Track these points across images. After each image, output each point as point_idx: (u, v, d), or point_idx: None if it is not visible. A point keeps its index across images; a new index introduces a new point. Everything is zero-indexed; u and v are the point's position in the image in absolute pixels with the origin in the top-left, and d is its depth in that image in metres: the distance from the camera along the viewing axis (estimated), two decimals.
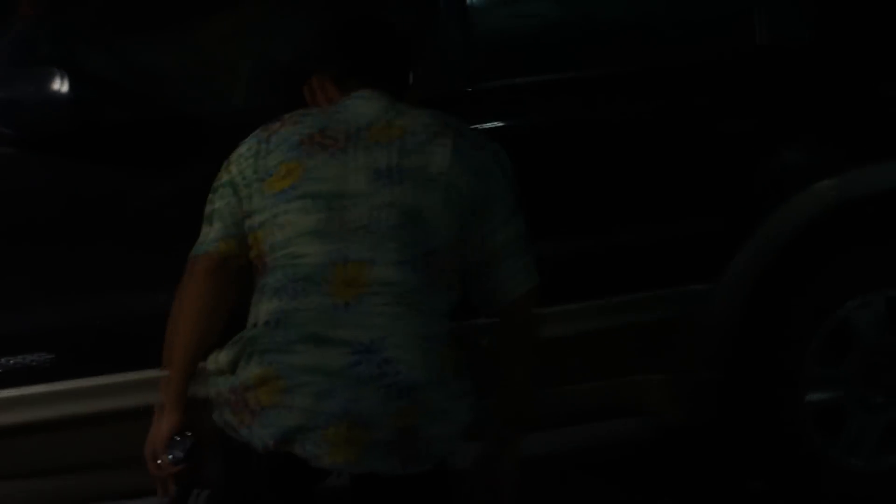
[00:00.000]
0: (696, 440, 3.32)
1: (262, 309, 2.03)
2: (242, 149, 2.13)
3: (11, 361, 2.66)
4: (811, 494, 3.15)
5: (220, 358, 2.06)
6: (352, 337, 1.95)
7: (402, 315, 1.98)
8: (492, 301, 2.14)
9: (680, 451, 3.42)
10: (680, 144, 2.94)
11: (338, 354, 1.94)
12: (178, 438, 2.05)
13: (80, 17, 2.78)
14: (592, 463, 3.37)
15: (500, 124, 2.82)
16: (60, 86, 2.52)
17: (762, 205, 2.96)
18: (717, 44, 3.00)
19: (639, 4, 3.06)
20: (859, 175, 2.98)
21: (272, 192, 2.05)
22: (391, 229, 1.99)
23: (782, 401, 3.07)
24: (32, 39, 2.70)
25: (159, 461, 2.07)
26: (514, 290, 2.12)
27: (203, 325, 2.07)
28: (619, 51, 2.97)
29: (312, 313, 1.97)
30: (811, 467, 3.11)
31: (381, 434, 1.95)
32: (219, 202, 2.12)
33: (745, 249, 2.96)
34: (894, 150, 3.00)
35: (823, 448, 3.11)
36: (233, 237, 2.09)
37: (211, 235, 2.10)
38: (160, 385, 2.12)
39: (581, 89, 2.93)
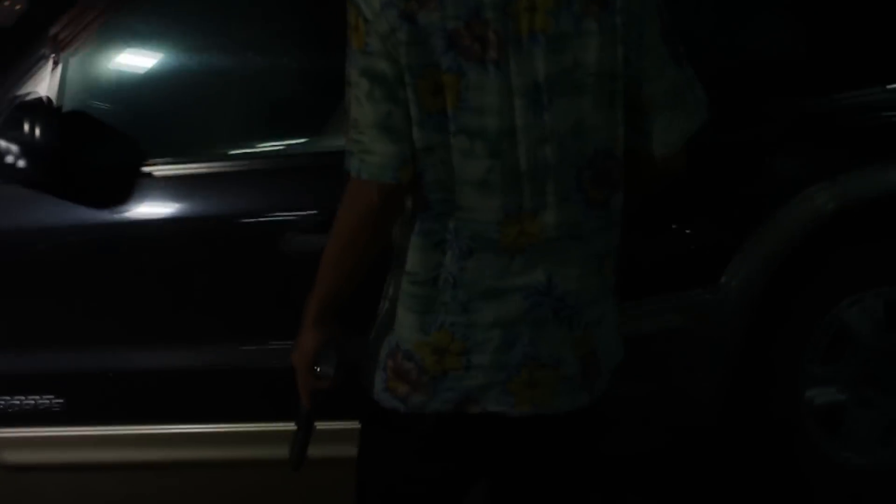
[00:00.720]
0: (702, 444, 3.35)
1: (426, 260, 1.85)
2: (387, 21, 1.74)
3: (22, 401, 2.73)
4: (811, 492, 3.21)
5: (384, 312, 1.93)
6: (525, 283, 1.85)
7: (569, 250, 1.86)
8: (636, 147, 1.91)
9: (686, 455, 3.44)
10: None
11: (515, 303, 1.85)
12: (325, 353, 1.97)
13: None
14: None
15: None
16: (32, 131, 2.59)
17: (762, 210, 2.98)
18: (710, 55, 3.03)
19: None
20: (853, 178, 2.99)
21: (424, 107, 1.77)
22: (550, 171, 1.81)
23: (784, 400, 3.13)
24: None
25: (303, 375, 1.99)
26: (666, 145, 1.92)
27: (367, 257, 1.86)
28: None
29: (486, 271, 1.84)
30: (811, 465, 3.18)
31: (566, 370, 1.90)
32: (386, 104, 1.77)
33: (745, 255, 2.99)
34: (886, 153, 3.03)
35: (823, 446, 3.17)
36: (410, 161, 1.78)
37: (388, 159, 1.77)
38: (309, 298, 1.95)
39: None
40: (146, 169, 2.79)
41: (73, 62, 2.77)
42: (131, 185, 2.75)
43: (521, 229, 1.83)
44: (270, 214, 2.84)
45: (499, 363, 1.87)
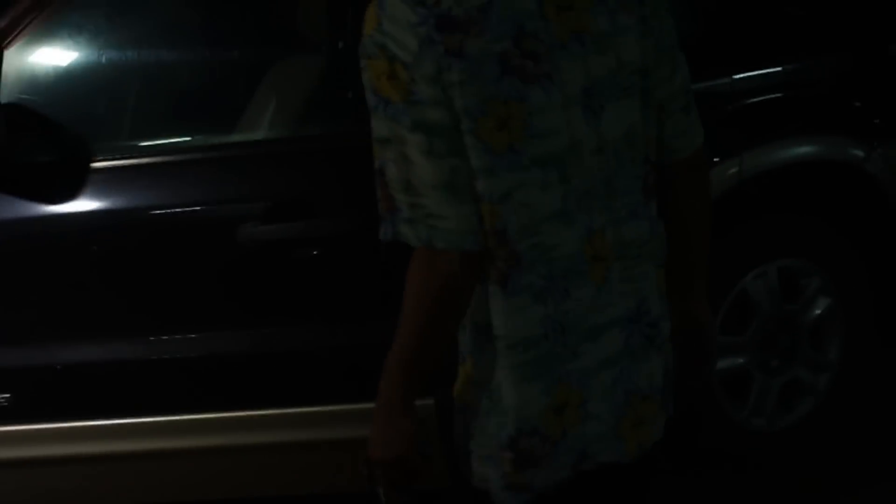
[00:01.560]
0: None
1: (531, 318, 1.64)
2: (431, 62, 1.53)
3: None
4: (722, 456, 3.35)
5: (467, 397, 1.73)
6: (618, 313, 1.69)
7: (646, 268, 1.73)
8: (662, 154, 1.79)
9: None
10: None
11: (613, 337, 1.69)
12: (421, 432, 1.73)
13: None
14: None
15: None
16: None
17: None
18: None
19: None
20: (754, 155, 3.14)
21: (489, 147, 1.56)
22: (608, 183, 1.66)
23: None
24: None
25: (414, 462, 1.72)
26: (688, 146, 1.81)
27: (453, 331, 1.69)
28: None
29: (583, 308, 1.66)
30: (721, 431, 3.31)
31: (658, 397, 1.77)
32: (450, 159, 1.55)
33: None
34: (781, 132, 3.19)
35: (731, 412, 3.31)
36: (482, 221, 1.59)
37: (464, 223, 1.57)
38: (387, 383, 1.70)
39: None
40: (88, 162, 2.71)
41: (10, 56, 2.66)
42: (72, 179, 2.66)
43: (594, 252, 1.66)
44: (221, 205, 2.77)
45: (610, 406, 1.71)
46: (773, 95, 3.19)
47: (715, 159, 3.08)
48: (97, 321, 2.75)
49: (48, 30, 2.75)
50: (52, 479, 2.79)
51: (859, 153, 3.24)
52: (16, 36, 2.67)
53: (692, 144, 1.83)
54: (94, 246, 2.71)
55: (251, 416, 2.76)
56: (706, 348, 2.00)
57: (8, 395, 2.67)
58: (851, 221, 3.35)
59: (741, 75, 3.16)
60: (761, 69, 3.19)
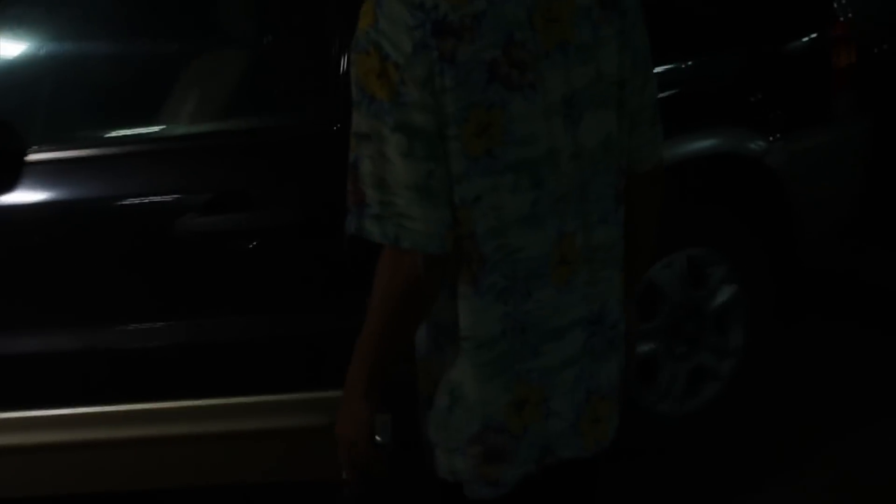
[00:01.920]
0: None
1: (491, 317, 1.70)
2: (422, 66, 1.55)
3: None
4: (633, 440, 3.43)
5: (439, 394, 1.78)
6: (580, 314, 1.75)
7: (610, 272, 1.79)
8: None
9: None
10: None
11: (575, 337, 1.75)
12: (380, 420, 1.79)
13: None
14: None
15: None
16: None
17: None
18: None
19: None
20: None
21: (467, 152, 1.60)
22: (583, 189, 1.70)
23: None
24: None
25: (364, 447, 1.77)
26: (649, 157, 1.85)
27: (415, 325, 1.73)
28: None
29: (546, 309, 1.71)
30: (632, 415, 3.38)
31: (615, 396, 1.85)
32: (427, 163, 1.58)
33: None
34: (684, 126, 3.26)
35: (641, 397, 3.42)
36: (452, 226, 1.63)
37: (433, 226, 1.59)
38: (352, 367, 1.75)
39: None
40: (25, 154, 2.72)
41: None
42: (10, 171, 2.65)
43: (562, 255, 1.72)
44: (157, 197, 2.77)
45: (571, 404, 1.78)
46: (675, 91, 3.28)
47: None
48: (34, 313, 2.76)
49: None
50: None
51: (759, 146, 3.37)
52: None
53: (653, 157, 1.87)
54: (35, 237, 2.72)
55: (190, 407, 2.78)
56: (628, 351, 2.03)
57: None
58: (754, 212, 3.48)
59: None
60: (663, 65, 3.28)
